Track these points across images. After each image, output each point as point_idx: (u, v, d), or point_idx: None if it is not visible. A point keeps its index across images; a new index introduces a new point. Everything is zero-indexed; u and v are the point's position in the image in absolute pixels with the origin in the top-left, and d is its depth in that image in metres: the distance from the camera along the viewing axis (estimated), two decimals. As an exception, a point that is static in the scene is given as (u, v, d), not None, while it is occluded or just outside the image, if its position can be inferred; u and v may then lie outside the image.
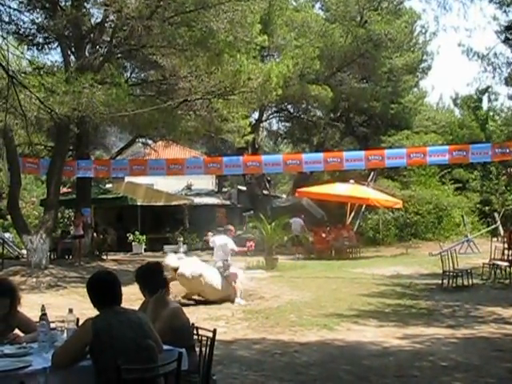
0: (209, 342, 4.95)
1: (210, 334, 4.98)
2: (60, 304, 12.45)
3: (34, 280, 15.88)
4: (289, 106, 34.40)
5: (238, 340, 9.62)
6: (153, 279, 5.18)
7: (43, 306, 4.70)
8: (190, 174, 22.82)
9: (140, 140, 28.48)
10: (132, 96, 17.70)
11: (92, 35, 18.83)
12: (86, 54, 18.56)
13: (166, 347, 4.33)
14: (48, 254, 18.14)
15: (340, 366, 7.97)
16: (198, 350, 5.09)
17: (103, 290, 4.27)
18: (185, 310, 5.52)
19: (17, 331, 4.92)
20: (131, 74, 22.87)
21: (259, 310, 12.34)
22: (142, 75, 22.91)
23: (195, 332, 5.18)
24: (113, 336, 3.93)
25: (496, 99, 43.28)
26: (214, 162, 21.49)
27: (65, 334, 4.56)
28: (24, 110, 11.56)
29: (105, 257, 23.48)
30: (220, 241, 13.78)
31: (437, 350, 8.70)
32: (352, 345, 9.25)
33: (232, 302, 13.15)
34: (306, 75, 27.15)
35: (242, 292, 13.56)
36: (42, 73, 15.35)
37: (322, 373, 7.65)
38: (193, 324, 5.24)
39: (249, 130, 22.35)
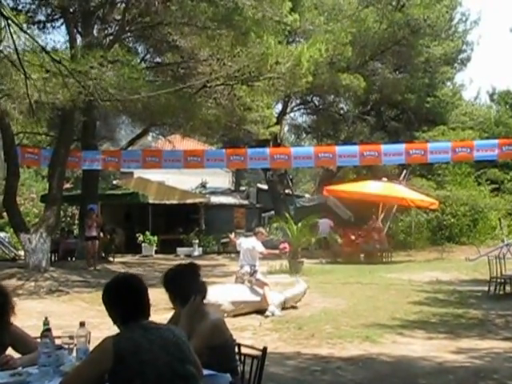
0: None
1: (257, 353, 4.18)
2: (62, 312, 11.93)
3: (33, 284, 15.11)
4: (315, 98, 33.68)
5: (268, 354, 8.81)
6: (187, 284, 4.34)
7: (46, 318, 3.88)
8: (210, 167, 21.84)
9: (153, 131, 27.83)
10: (145, 81, 16.98)
11: (102, 11, 18.15)
12: (95, 32, 17.91)
13: (206, 372, 3.51)
14: (48, 255, 17.33)
15: (394, 385, 7.26)
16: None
17: (128, 298, 3.43)
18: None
19: (10, 351, 4.05)
20: (144, 56, 22.24)
21: (290, 320, 11.58)
22: (157, 58, 22.28)
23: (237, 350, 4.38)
24: (142, 360, 3.12)
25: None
26: (237, 154, 20.38)
27: (74, 354, 3.78)
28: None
29: (112, 259, 22.93)
30: (247, 244, 13.04)
31: (499, 367, 8.07)
32: (402, 360, 8.60)
33: (263, 313, 12.07)
34: (335, 63, 26.30)
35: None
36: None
37: (375, 394, 6.95)
38: (234, 340, 4.42)
39: (274, 120, 21.52)
